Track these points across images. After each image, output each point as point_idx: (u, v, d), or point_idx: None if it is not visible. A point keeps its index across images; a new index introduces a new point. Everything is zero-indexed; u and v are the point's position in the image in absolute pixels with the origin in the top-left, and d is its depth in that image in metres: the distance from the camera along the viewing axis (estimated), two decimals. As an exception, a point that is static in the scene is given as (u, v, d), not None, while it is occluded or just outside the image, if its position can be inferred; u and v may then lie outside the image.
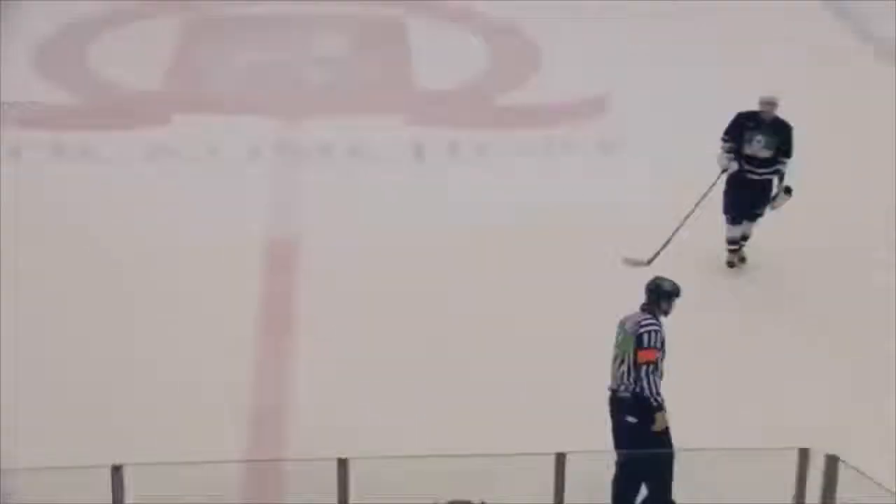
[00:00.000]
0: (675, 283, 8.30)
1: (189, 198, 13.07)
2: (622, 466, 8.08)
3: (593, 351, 8.57)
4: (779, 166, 11.34)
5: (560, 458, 6.72)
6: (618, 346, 8.18)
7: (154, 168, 13.81)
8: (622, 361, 8.10)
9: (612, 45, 17.20)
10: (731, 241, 11.56)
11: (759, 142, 11.30)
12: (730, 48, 16.92)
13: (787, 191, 11.31)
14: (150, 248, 11.83)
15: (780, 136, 11.31)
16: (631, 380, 8.01)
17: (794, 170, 11.34)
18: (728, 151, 11.38)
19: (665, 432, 8.03)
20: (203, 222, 12.45)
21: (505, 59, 17.18)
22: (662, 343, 8.04)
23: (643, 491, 8.12)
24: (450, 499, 6.69)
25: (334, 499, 7.02)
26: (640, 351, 7.99)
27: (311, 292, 11.25)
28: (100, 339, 10.32)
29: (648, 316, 8.13)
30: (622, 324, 8.23)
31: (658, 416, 7.97)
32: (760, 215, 11.53)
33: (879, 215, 12.34)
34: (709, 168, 11.48)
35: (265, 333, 10.58)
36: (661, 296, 8.21)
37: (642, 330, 8.05)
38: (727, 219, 11.53)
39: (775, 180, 11.39)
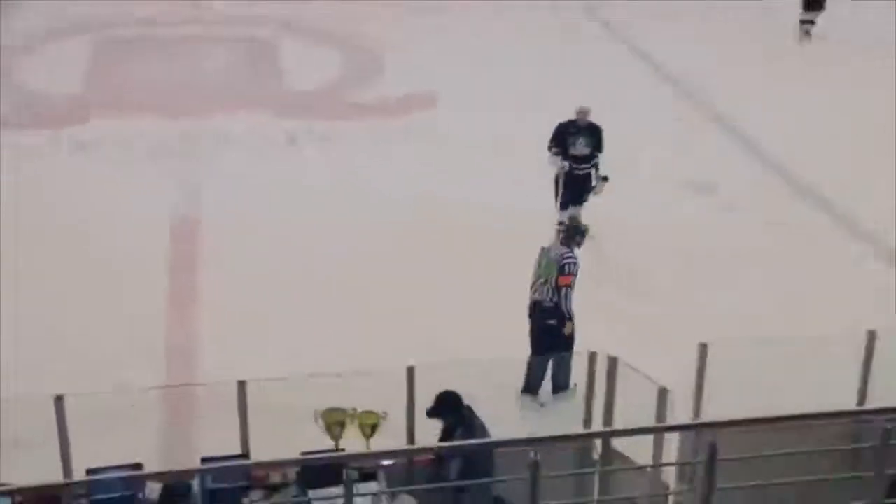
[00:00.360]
0: (586, 225, 9.01)
1: (108, 183, 12.77)
2: (534, 347, 8.79)
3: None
4: (595, 160, 11.37)
5: (410, 371, 6.79)
6: (542, 268, 8.79)
7: (76, 160, 13.50)
8: (546, 281, 8.73)
9: (442, 50, 17.21)
10: (560, 223, 11.17)
11: (580, 143, 11.27)
12: (545, 51, 17.03)
13: (605, 178, 11.34)
14: (77, 227, 11.57)
15: (596, 136, 11.34)
16: (553, 296, 8.66)
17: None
18: (556, 155, 11.31)
19: (571, 335, 8.71)
20: (120, 202, 12.19)
21: (355, 64, 17.12)
22: (577, 270, 8.69)
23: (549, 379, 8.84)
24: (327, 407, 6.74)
25: (236, 415, 6.87)
26: (561, 277, 8.66)
27: (210, 258, 11.14)
28: (44, 293, 10.11)
29: (568, 250, 8.77)
30: (546, 251, 8.86)
31: (568, 324, 8.71)
32: (586, 200, 11.45)
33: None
34: (527, 150, 11.69)
35: (172, 294, 10.49)
36: (577, 233, 8.88)
37: (565, 261, 8.69)
38: (559, 205, 11.34)
39: (593, 172, 11.39)
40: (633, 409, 6.73)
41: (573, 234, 8.89)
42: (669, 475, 6.76)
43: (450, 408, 6.60)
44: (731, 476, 5.42)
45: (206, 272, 10.90)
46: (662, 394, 6.61)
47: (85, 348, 9.26)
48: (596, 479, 6.67)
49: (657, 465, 6.57)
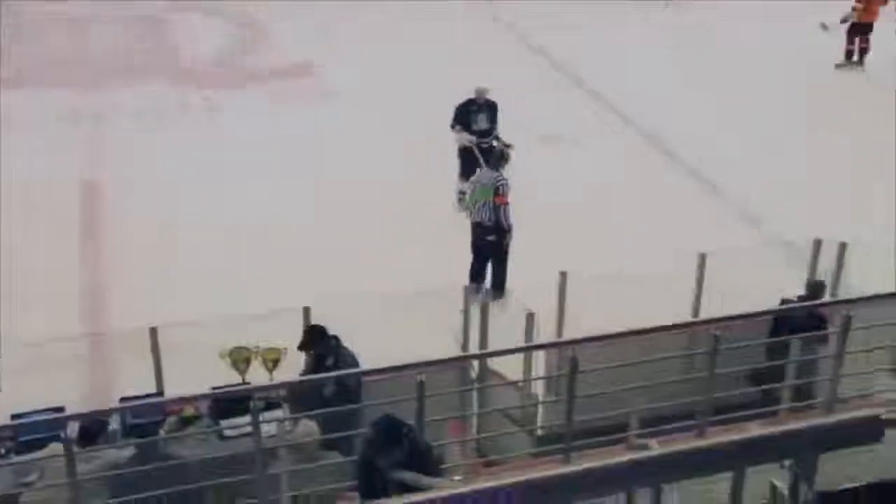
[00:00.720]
0: (508, 151, 9.53)
1: (18, 152, 12.16)
2: (476, 258, 9.26)
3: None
4: (494, 132, 11.05)
5: (306, 310, 6.79)
6: (477, 193, 9.23)
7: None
8: (484, 203, 9.15)
9: (321, 21, 16.88)
10: (463, 192, 10.69)
11: (481, 119, 10.95)
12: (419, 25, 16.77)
13: (508, 146, 10.75)
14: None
15: (493, 111, 10.96)
16: (492, 215, 9.10)
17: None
18: (461, 132, 10.85)
19: (507, 246, 9.21)
20: (29, 169, 11.74)
21: (241, 36, 16.74)
22: (509, 190, 9.16)
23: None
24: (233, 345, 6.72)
25: (150, 360, 6.82)
26: (497, 197, 9.10)
27: (118, 218, 10.89)
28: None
29: (499, 173, 9.24)
30: (478, 178, 9.37)
31: (508, 235, 9.18)
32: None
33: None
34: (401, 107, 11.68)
35: (83, 244, 10.30)
36: (502, 157, 9.43)
37: (498, 183, 9.16)
38: (462, 177, 10.84)
39: (495, 142, 10.96)
40: (506, 332, 6.83)
41: (499, 158, 9.35)
42: (539, 388, 6.90)
43: (318, 340, 6.61)
44: (592, 386, 5.59)
45: (115, 230, 10.64)
46: (529, 318, 6.73)
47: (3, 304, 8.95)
48: (474, 395, 6.74)
49: (527, 380, 6.69)
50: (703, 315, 6.98)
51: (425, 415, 5.35)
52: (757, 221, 10.54)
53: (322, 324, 6.68)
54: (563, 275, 7.11)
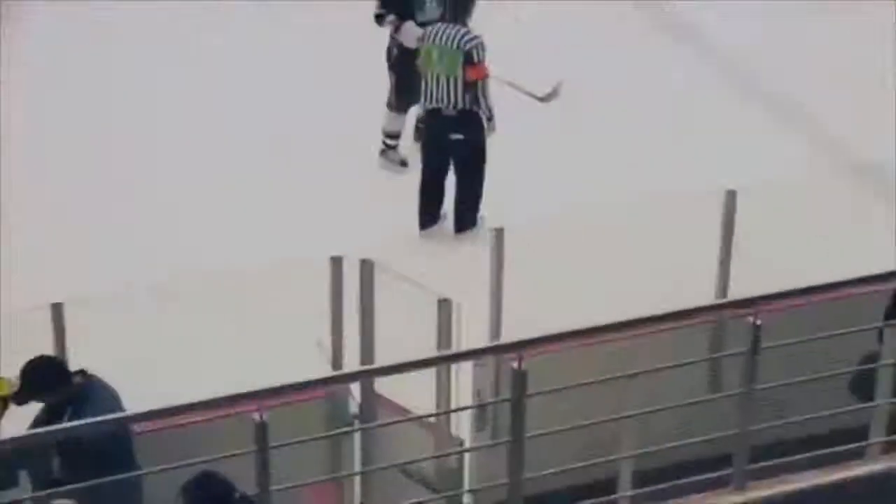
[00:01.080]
0: None
1: None
2: (430, 166, 8.24)
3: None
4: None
5: (56, 308, 5.90)
6: (434, 63, 7.96)
7: None
8: (447, 79, 7.93)
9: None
10: (394, 136, 9.29)
11: (433, 4, 8.94)
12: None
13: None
14: None
15: None
16: (461, 98, 7.92)
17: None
18: (398, 24, 8.88)
19: (484, 149, 8.14)
20: None
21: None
22: (485, 53, 7.99)
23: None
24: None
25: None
26: (470, 68, 7.85)
27: None
28: None
29: (467, 29, 7.94)
30: (430, 38, 7.98)
31: (489, 124, 8.10)
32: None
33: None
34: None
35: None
36: (470, 1, 8.11)
37: (470, 44, 7.85)
38: (395, 109, 9.19)
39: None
40: (404, 334, 6.14)
41: (466, 2, 8.08)
42: (464, 426, 6.26)
43: (47, 382, 5.68)
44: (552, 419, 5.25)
45: None
46: (444, 308, 5.95)
47: None
48: (355, 440, 6.11)
49: (442, 413, 6.05)
50: (734, 293, 6.45)
51: (272, 476, 4.79)
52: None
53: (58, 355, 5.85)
54: (499, 232, 6.32)
